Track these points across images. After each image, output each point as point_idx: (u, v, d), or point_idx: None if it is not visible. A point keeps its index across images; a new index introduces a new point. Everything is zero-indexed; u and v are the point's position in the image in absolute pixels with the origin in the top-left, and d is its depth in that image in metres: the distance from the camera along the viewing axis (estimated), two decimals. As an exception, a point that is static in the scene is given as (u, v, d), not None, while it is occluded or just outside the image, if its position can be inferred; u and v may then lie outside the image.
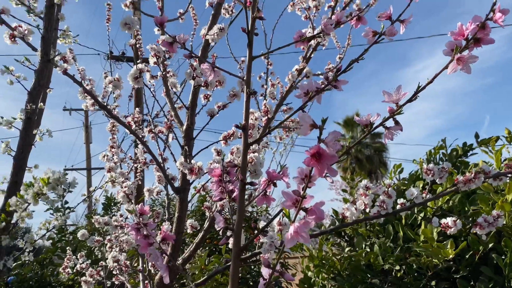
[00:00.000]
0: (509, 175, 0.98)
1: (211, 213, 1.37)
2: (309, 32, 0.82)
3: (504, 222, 1.26)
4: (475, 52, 0.57)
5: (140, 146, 1.43)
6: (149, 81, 1.38)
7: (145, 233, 0.68)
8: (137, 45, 1.65)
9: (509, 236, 1.30)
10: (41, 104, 2.22)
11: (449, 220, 0.98)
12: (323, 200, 0.48)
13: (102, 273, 1.48)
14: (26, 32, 1.48)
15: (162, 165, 1.30)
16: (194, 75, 1.11)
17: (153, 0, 1.46)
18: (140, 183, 1.68)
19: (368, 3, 1.22)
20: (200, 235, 1.43)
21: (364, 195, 0.99)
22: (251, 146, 0.69)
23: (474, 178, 0.91)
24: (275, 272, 0.58)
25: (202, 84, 1.12)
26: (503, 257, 1.27)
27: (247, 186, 0.67)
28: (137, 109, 1.54)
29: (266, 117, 1.21)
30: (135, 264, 2.10)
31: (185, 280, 2.22)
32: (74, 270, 1.68)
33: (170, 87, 1.38)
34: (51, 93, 2.23)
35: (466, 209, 1.49)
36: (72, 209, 1.55)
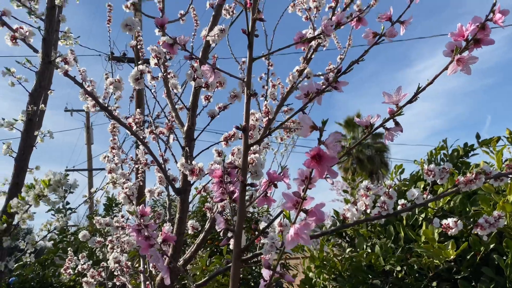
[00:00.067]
0: (510, 176, 0.98)
1: (212, 214, 1.37)
2: (310, 33, 0.82)
3: (505, 223, 1.26)
4: (475, 53, 0.57)
5: (141, 147, 1.43)
6: (150, 82, 1.38)
7: (146, 234, 0.68)
8: (138, 46, 1.66)
9: (510, 236, 1.30)
10: (42, 105, 2.22)
11: (450, 221, 0.97)
12: (324, 202, 0.48)
13: (103, 274, 1.48)
14: (27, 33, 1.48)
15: (163, 166, 1.30)
16: (195, 76, 1.11)
17: (154, 1, 1.47)
18: (141, 184, 1.68)
19: (369, 4, 1.22)
20: (201, 236, 1.43)
21: (365, 196, 0.98)
22: (251, 147, 0.69)
23: (475, 179, 0.90)
24: (276, 273, 0.58)
25: (203, 85, 1.13)
26: (504, 257, 1.27)
27: (247, 187, 0.67)
28: (138, 110, 1.54)
29: (267, 118, 1.21)
30: (136, 265, 2.11)
31: (186, 281, 2.22)
32: (76, 271, 1.68)
33: (171, 88, 1.39)
34: (52, 94, 2.24)
35: (467, 209, 1.49)
36: (73, 210, 1.55)
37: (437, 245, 1.33)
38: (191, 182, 1.30)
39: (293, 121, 1.31)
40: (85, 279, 1.43)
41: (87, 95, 1.11)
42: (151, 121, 1.55)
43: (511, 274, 1.23)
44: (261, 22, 0.73)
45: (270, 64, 1.65)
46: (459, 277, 1.37)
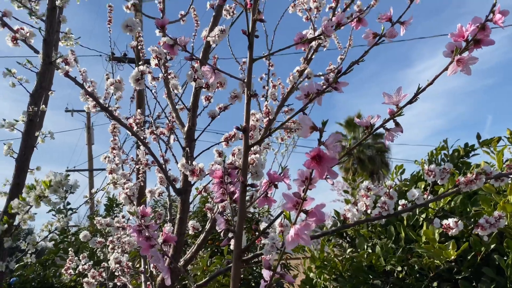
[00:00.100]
0: (511, 176, 0.98)
1: (212, 214, 1.37)
2: (310, 34, 0.82)
3: (506, 223, 1.26)
4: (475, 53, 0.57)
5: (141, 147, 1.43)
6: (151, 83, 1.38)
7: (147, 234, 0.68)
8: (139, 47, 1.66)
9: (511, 237, 1.30)
10: (43, 106, 2.22)
11: (450, 221, 0.97)
12: (324, 202, 0.48)
13: (104, 274, 1.48)
14: (28, 34, 1.49)
15: (163, 166, 1.30)
16: (196, 77, 1.11)
17: (154, 1, 1.47)
18: (142, 184, 1.68)
19: (369, 5, 1.22)
20: (202, 236, 1.43)
21: (365, 196, 0.98)
22: (252, 148, 0.69)
23: (475, 179, 0.90)
24: (276, 274, 0.58)
25: (204, 86, 1.13)
26: (505, 258, 1.27)
27: (248, 188, 0.67)
28: (138, 110, 1.54)
29: (268, 118, 1.21)
30: (137, 266, 2.11)
31: (187, 282, 2.22)
32: (76, 271, 1.68)
33: (171, 89, 1.39)
34: (53, 95, 2.24)
35: (468, 210, 1.49)
36: (74, 210, 1.56)
37: (438, 245, 1.33)
38: (192, 183, 1.30)
39: (293, 121, 1.31)
40: (86, 279, 1.43)
41: (87, 96, 1.11)
42: (152, 121, 1.55)
43: (512, 275, 1.23)
44: (261, 22, 0.73)
45: (270, 64, 1.65)
46: (459, 277, 1.37)
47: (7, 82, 2.08)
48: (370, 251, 1.63)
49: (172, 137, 1.45)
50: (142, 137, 1.23)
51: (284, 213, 0.91)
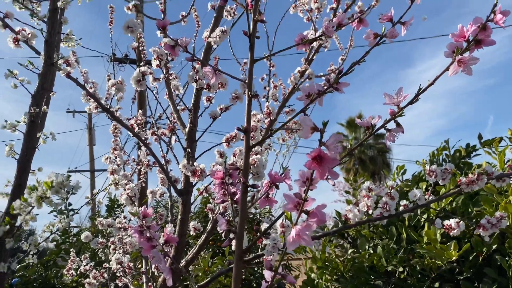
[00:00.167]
0: (512, 176, 0.97)
1: (214, 215, 1.37)
2: (311, 34, 0.82)
3: (508, 224, 1.26)
4: (476, 53, 0.57)
5: (143, 148, 1.43)
6: (152, 84, 1.38)
7: (148, 235, 0.68)
8: (140, 48, 1.66)
9: (513, 237, 1.30)
10: (45, 107, 2.23)
11: (452, 222, 0.97)
12: (325, 203, 0.48)
13: (105, 275, 1.48)
14: (29, 35, 1.49)
15: (165, 167, 1.31)
16: (197, 78, 1.11)
17: (156, 2, 1.47)
18: (143, 185, 1.68)
19: (370, 5, 1.22)
20: (203, 237, 1.43)
21: (367, 197, 0.98)
22: (253, 148, 0.69)
23: (477, 179, 0.90)
24: (278, 274, 0.58)
25: (205, 87, 1.13)
26: (507, 258, 1.27)
27: (249, 188, 0.67)
28: (140, 111, 1.55)
29: (269, 119, 1.21)
30: (139, 266, 2.11)
31: (188, 282, 2.22)
32: (78, 272, 1.69)
33: (172, 90, 1.39)
34: (55, 96, 2.24)
35: (470, 210, 1.48)
36: (75, 211, 1.56)
37: (439, 246, 1.33)
38: (193, 183, 1.30)
39: (294, 122, 1.31)
40: (87, 280, 1.43)
41: (89, 97, 1.11)
42: (153, 122, 1.56)
43: (514, 275, 1.22)
44: (262, 23, 0.73)
45: (271, 65, 1.66)
46: (461, 278, 1.37)
47: (9, 84, 2.08)
48: (371, 251, 1.63)
49: (173, 138, 1.45)
50: (143, 138, 1.23)
51: (285, 213, 0.91)
